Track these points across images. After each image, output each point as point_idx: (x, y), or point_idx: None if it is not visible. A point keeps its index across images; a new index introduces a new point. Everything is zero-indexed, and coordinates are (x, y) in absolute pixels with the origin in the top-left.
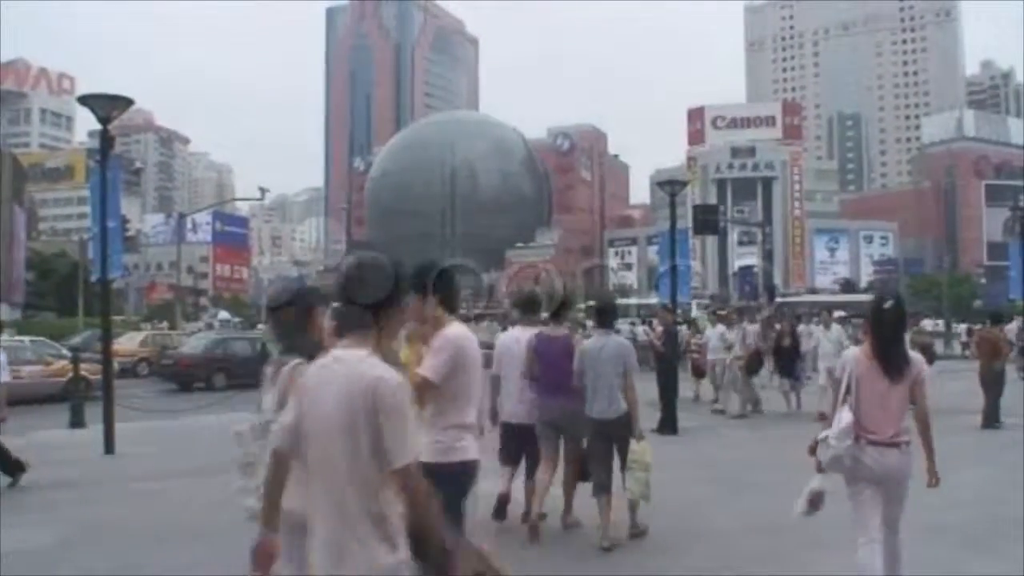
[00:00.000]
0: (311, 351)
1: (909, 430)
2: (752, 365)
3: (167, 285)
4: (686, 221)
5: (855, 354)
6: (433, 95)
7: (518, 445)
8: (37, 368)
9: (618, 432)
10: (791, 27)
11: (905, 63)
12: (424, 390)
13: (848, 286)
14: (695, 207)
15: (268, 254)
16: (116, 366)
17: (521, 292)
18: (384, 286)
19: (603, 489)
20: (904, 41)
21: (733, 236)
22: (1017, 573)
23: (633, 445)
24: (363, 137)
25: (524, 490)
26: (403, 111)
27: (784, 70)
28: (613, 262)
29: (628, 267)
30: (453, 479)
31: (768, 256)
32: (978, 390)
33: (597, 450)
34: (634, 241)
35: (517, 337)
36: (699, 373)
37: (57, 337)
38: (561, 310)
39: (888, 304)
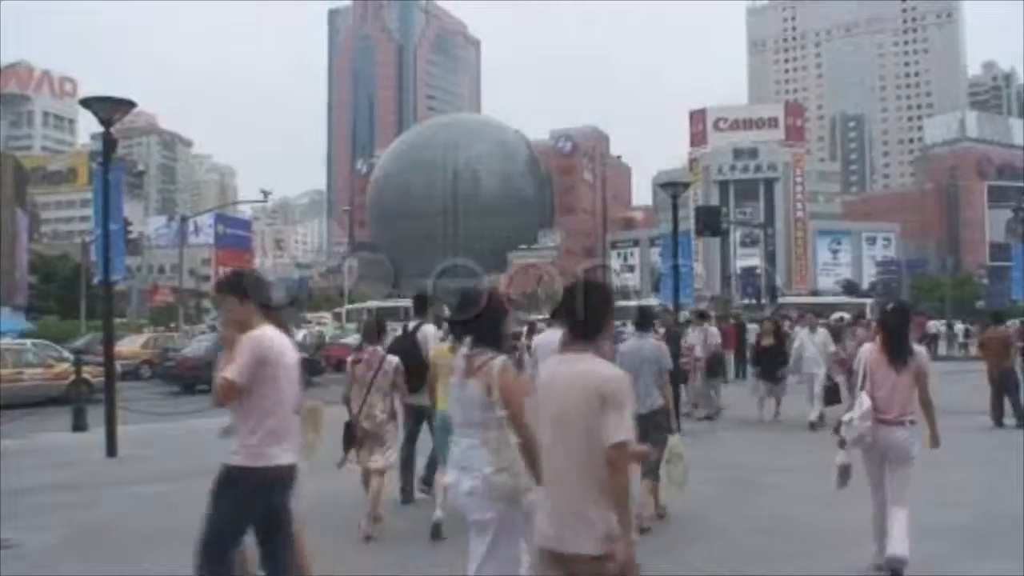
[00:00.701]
0: (504, 347)
1: (915, 411)
2: (714, 367)
3: (169, 288)
4: (688, 223)
5: (868, 348)
6: (435, 97)
7: None
8: (39, 371)
9: (653, 425)
10: (793, 28)
11: (907, 64)
12: (228, 391)
13: (850, 287)
14: (697, 209)
15: (270, 256)
16: (118, 369)
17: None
18: (607, 309)
19: (652, 475)
20: (906, 42)
21: (735, 238)
22: (1017, 573)
23: (671, 438)
24: (365, 139)
25: None
26: (405, 113)
27: (786, 71)
28: (615, 264)
29: (630, 269)
30: (263, 484)
31: (770, 258)
32: (977, 390)
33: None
34: (636, 243)
35: (551, 339)
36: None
37: (59, 340)
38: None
39: (892, 307)
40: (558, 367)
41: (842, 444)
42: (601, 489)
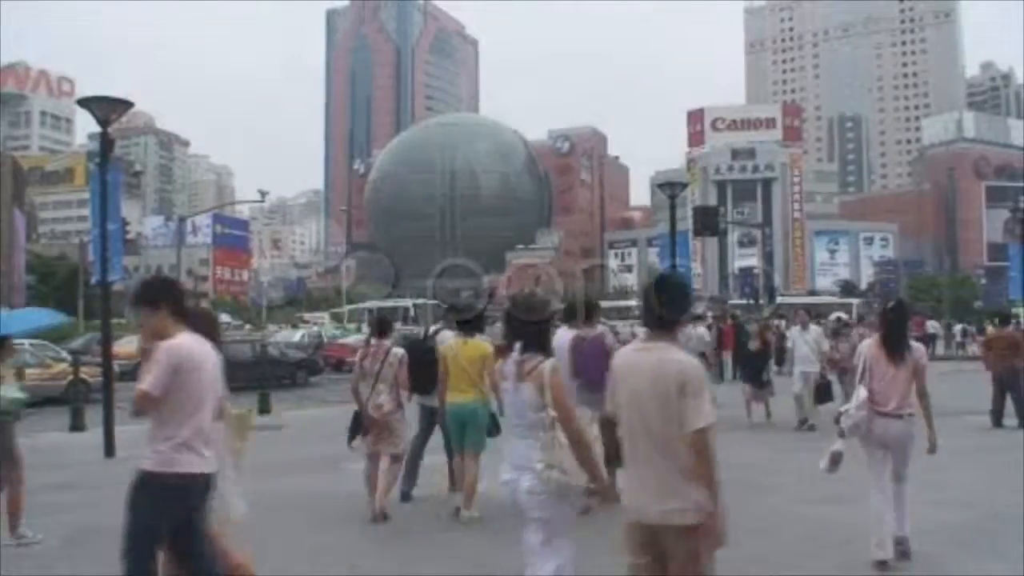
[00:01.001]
0: (550, 350)
1: (912, 404)
2: None
3: None
4: (686, 223)
5: (868, 344)
6: (433, 97)
7: None
8: (37, 371)
9: None
10: (791, 28)
11: (905, 64)
12: (142, 403)
13: (848, 288)
14: (695, 209)
15: (268, 257)
16: (116, 369)
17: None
18: (684, 301)
19: None
20: (904, 42)
21: (733, 238)
22: (1017, 573)
23: None
24: (363, 139)
25: None
26: (403, 113)
27: (784, 71)
28: (613, 264)
29: (628, 269)
30: (175, 489)
31: (768, 258)
32: (975, 390)
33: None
34: (634, 243)
35: (564, 339)
36: None
37: (57, 340)
38: (592, 312)
39: (892, 304)
40: (636, 356)
41: (841, 434)
42: (683, 468)
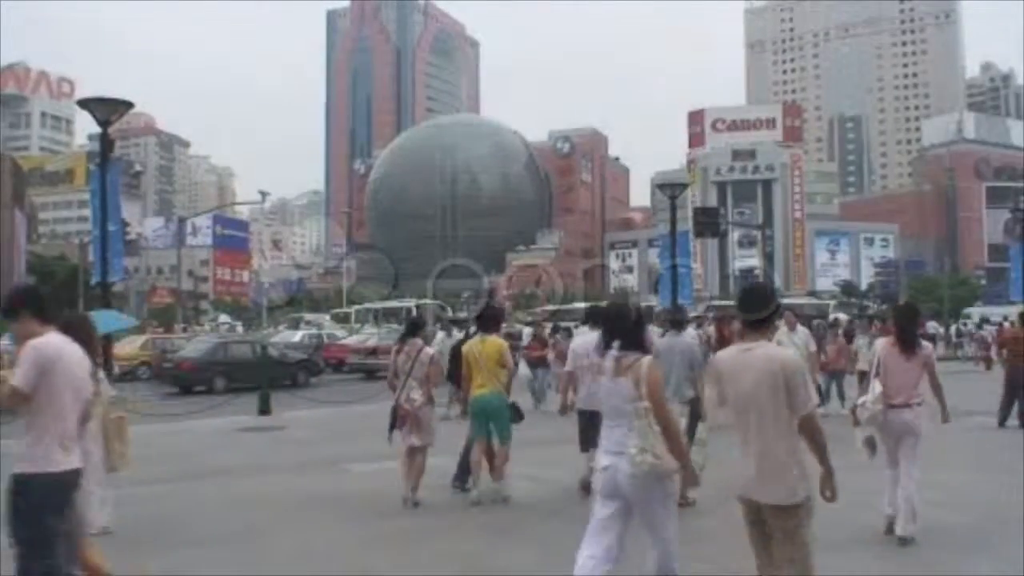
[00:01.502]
0: (647, 348)
1: (921, 395)
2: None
3: (167, 289)
4: (687, 223)
5: (882, 342)
6: (434, 98)
7: (594, 429)
8: None
9: (686, 415)
10: (791, 29)
11: (905, 65)
12: (12, 398)
13: (848, 288)
14: (695, 209)
15: (268, 257)
16: (116, 369)
17: (593, 306)
18: (771, 303)
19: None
20: (904, 43)
21: (733, 238)
22: (1017, 574)
23: (700, 425)
24: (364, 140)
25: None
26: (404, 114)
27: (784, 72)
28: (614, 264)
29: (629, 270)
30: (44, 490)
31: (768, 259)
32: (977, 391)
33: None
34: (634, 243)
35: (588, 341)
36: None
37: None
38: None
39: (904, 304)
40: (741, 355)
41: (856, 424)
42: (789, 449)
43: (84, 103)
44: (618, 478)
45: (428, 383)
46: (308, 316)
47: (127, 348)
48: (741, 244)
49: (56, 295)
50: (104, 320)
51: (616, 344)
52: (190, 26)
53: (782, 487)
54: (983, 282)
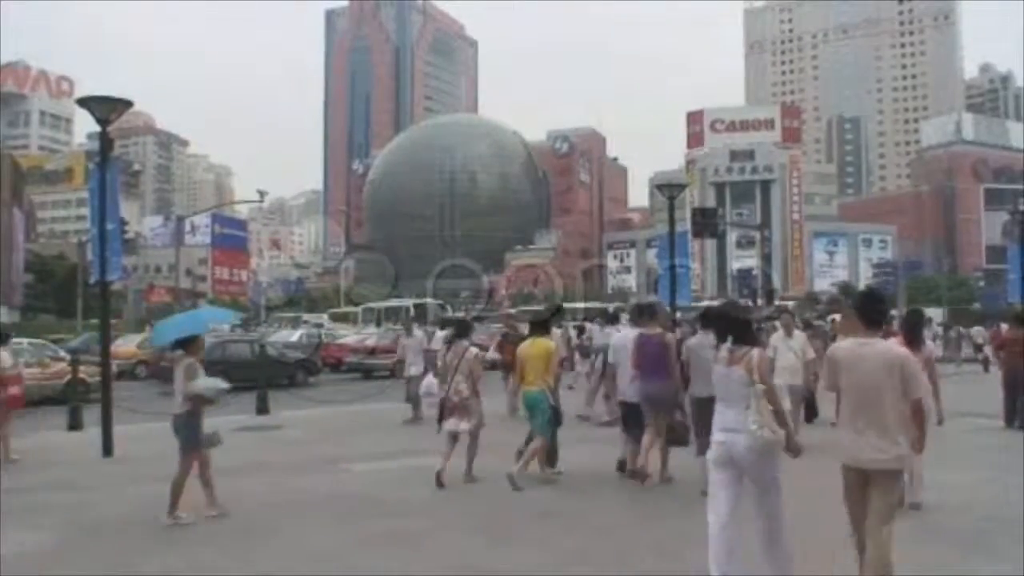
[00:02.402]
0: (757, 342)
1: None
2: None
3: (166, 288)
4: (685, 224)
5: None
6: (432, 98)
7: (633, 418)
8: (36, 370)
9: (710, 406)
10: (790, 30)
11: (904, 66)
12: None
13: (846, 289)
14: (694, 210)
15: (267, 257)
16: (115, 368)
17: (638, 304)
18: (886, 307)
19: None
20: (903, 44)
21: (732, 239)
22: (1017, 574)
23: None
24: (362, 139)
25: (628, 452)
26: (402, 113)
27: (783, 73)
28: (612, 265)
29: (627, 270)
30: None
31: (767, 259)
32: (976, 392)
33: (700, 420)
34: (633, 244)
35: (628, 336)
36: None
37: (56, 339)
38: (654, 314)
39: (912, 309)
40: (859, 349)
41: None
42: (896, 425)
43: (83, 102)
44: (733, 451)
45: (472, 378)
46: (305, 316)
47: (125, 347)
48: (740, 245)
49: (55, 294)
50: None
51: (730, 339)
52: (189, 25)
53: (890, 454)
54: (981, 284)
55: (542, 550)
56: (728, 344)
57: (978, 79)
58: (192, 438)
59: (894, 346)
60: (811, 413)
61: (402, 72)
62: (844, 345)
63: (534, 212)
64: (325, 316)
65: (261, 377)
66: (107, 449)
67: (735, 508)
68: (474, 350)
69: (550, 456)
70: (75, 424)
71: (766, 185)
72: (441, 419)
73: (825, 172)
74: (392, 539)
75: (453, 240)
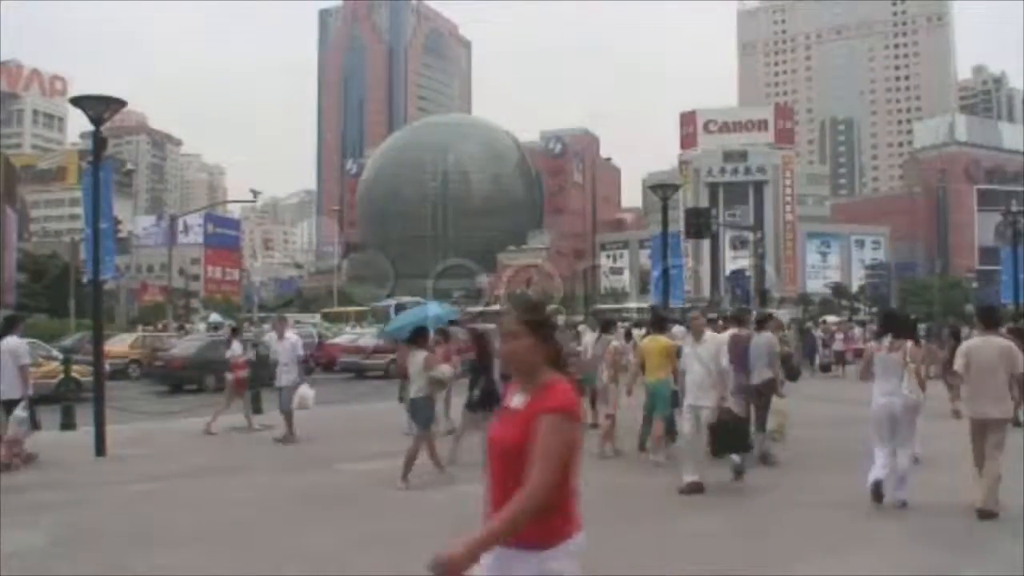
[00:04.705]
0: (913, 337)
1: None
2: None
3: (158, 287)
4: (678, 225)
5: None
6: (426, 97)
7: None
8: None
9: (764, 391)
10: (783, 31)
11: (897, 67)
12: None
13: (839, 291)
14: (686, 211)
15: (260, 256)
16: (107, 368)
17: (737, 309)
18: (1000, 316)
19: (762, 427)
20: (896, 45)
21: (725, 240)
22: (1017, 574)
23: (776, 400)
24: (355, 139)
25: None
26: (395, 113)
27: (776, 74)
28: (605, 265)
29: (619, 271)
30: None
31: (760, 259)
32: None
33: (758, 403)
34: (626, 244)
35: (724, 336)
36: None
37: (48, 339)
38: (743, 317)
39: (903, 314)
40: (981, 342)
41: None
42: (1006, 389)
43: (76, 101)
44: (892, 408)
45: (614, 368)
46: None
47: (118, 346)
48: (733, 246)
49: (47, 293)
50: (440, 314)
51: (890, 334)
52: (182, 24)
53: (1004, 408)
54: (974, 285)
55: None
56: (888, 337)
57: (971, 80)
58: (429, 417)
59: (1005, 341)
60: (730, 442)
61: (395, 72)
62: (973, 341)
63: (527, 212)
64: (318, 316)
65: (253, 377)
66: (100, 449)
67: (892, 455)
68: (615, 343)
69: (670, 433)
70: (68, 423)
71: (759, 186)
72: (592, 407)
73: (818, 173)
74: (389, 538)
75: (446, 240)
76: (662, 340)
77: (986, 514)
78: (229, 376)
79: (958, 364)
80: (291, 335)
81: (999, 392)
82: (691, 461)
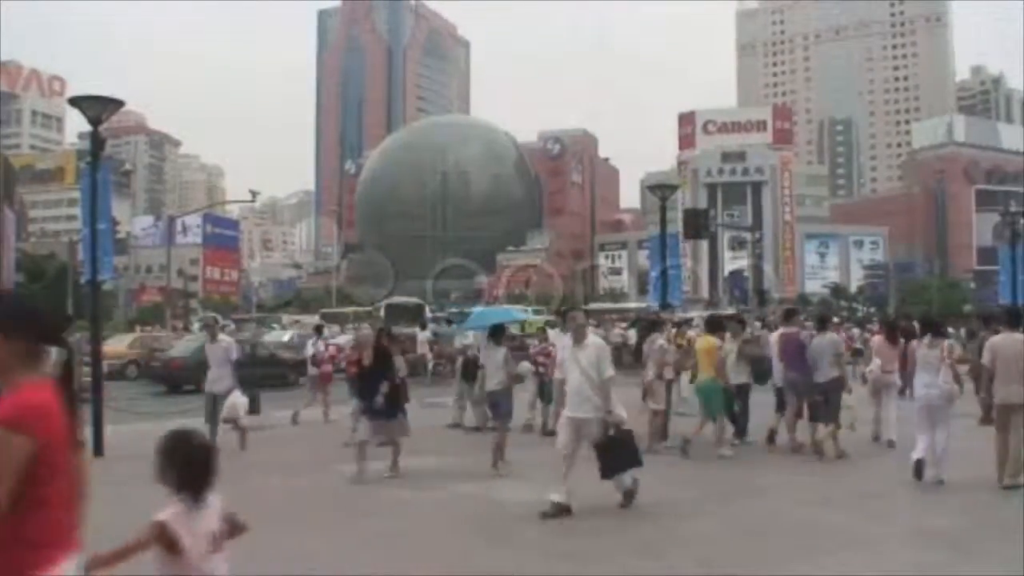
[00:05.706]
0: (947, 336)
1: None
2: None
3: (157, 288)
4: (676, 225)
5: (916, 344)
6: (424, 98)
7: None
8: None
9: (832, 389)
10: (782, 31)
11: (896, 68)
12: None
13: (838, 291)
14: (685, 211)
15: (258, 257)
16: (106, 368)
17: (788, 308)
18: (1018, 319)
19: (829, 423)
20: (895, 46)
21: (724, 241)
22: (1016, 574)
23: (845, 396)
24: (354, 140)
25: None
26: (394, 114)
27: (775, 74)
28: (603, 266)
29: (617, 271)
30: None
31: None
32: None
33: (822, 401)
34: (624, 245)
35: (774, 335)
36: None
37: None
38: (792, 316)
39: (903, 319)
40: (1007, 339)
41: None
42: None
43: (75, 101)
44: (930, 398)
45: (661, 366)
46: (295, 317)
47: (116, 347)
48: (732, 246)
49: (45, 293)
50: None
51: (929, 335)
52: (181, 24)
53: (1021, 395)
54: (972, 285)
55: (540, 552)
56: (928, 337)
57: (969, 81)
58: (510, 408)
59: (1020, 337)
60: (616, 461)
61: (394, 72)
62: (999, 338)
63: (526, 213)
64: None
65: (252, 378)
66: (98, 449)
67: (931, 439)
68: (660, 341)
69: (739, 428)
70: None
71: (757, 186)
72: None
73: (816, 174)
74: (388, 538)
75: (445, 240)
76: (708, 340)
77: (1011, 487)
78: (314, 371)
79: (986, 358)
80: (224, 337)
81: (1021, 382)
82: (562, 479)
